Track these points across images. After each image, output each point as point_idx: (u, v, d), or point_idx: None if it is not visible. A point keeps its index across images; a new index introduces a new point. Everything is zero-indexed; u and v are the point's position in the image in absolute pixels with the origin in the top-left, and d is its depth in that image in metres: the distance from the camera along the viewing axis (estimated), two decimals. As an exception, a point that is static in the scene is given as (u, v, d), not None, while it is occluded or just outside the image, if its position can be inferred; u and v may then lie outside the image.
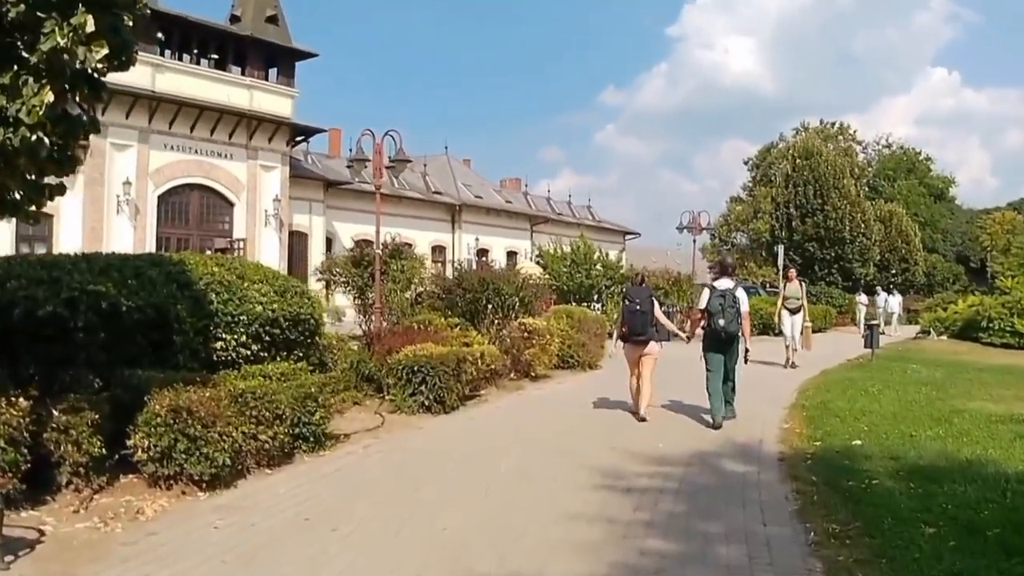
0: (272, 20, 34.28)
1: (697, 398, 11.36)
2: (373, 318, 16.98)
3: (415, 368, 11.06)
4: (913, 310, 46.54)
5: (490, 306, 16.13)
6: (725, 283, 10.86)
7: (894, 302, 37.04)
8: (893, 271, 54.85)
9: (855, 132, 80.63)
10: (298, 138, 36.29)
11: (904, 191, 75.86)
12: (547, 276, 28.56)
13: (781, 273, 42.64)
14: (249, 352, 9.55)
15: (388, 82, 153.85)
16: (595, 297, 28.39)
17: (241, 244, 33.25)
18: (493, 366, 13.20)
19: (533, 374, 15.02)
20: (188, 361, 8.81)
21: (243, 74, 33.67)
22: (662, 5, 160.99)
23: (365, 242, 28.36)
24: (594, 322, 18.26)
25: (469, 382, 12.10)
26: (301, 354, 10.34)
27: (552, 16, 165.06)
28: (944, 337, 29.09)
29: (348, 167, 20.35)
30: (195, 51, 32.52)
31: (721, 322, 10.43)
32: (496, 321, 16.25)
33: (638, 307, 10.92)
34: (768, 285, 47.09)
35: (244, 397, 7.52)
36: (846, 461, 8.07)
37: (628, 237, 63.24)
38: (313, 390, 8.50)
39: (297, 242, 36.01)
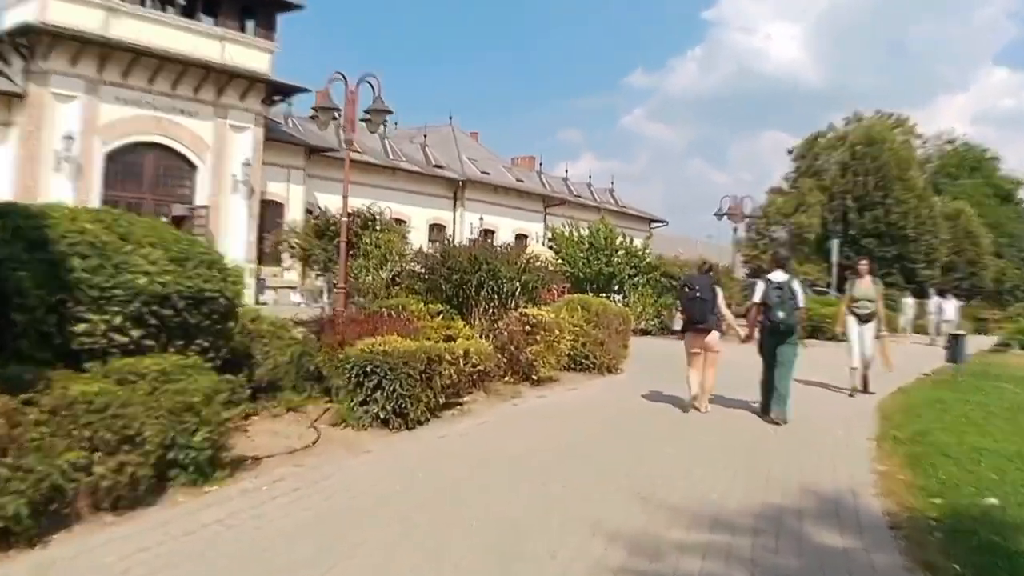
0: (251, -36, 32.59)
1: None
2: (336, 300, 14.95)
3: (368, 368, 8.86)
4: (981, 319, 44.11)
5: (483, 291, 13.81)
6: (780, 276, 11.09)
7: (950, 308, 33.21)
8: (959, 275, 52.44)
9: (914, 125, 77.97)
10: (275, 97, 34.62)
11: (968, 190, 73.39)
12: (560, 261, 26.69)
13: (835, 269, 40.49)
14: (127, 339, 7.25)
15: (394, 54, 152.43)
16: (616, 287, 26.30)
17: (203, 211, 31.71)
18: (482, 367, 10.97)
19: (535, 377, 12.83)
20: (34, 349, 6.77)
21: (215, 24, 32.07)
22: None
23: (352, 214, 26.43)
24: (616, 316, 15.85)
25: (446, 387, 9.86)
26: (206, 344, 8.05)
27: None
28: (1027, 352, 26.73)
29: (312, 117, 18.13)
30: None
31: (781, 314, 10.69)
32: (491, 310, 13.96)
33: (698, 294, 11.07)
34: (814, 284, 44.74)
35: (72, 410, 5.29)
36: (992, 535, 5.77)
37: (654, 225, 61.74)
38: (196, 399, 6.27)
39: (271, 213, 34.28)
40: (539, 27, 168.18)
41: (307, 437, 8.31)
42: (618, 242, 28.14)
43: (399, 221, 36.80)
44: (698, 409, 11.17)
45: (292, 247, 25.34)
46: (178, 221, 32.24)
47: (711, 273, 12.09)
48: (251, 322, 10.17)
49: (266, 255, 31.26)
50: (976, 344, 31.60)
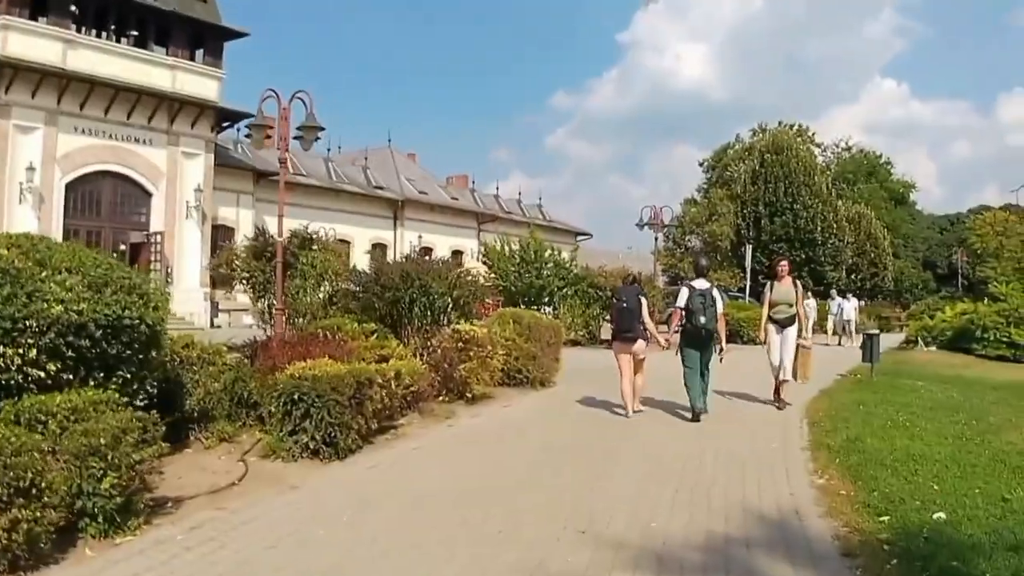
0: (200, -5, 32.16)
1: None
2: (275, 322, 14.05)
3: (296, 396, 8.02)
4: (884, 317, 44.35)
5: (415, 308, 13.04)
6: (702, 283, 11.30)
7: (850, 308, 32.84)
8: (861, 276, 52.85)
9: (814, 134, 79.11)
10: (224, 124, 33.98)
11: (865, 195, 74.51)
12: (493, 276, 26.05)
13: (749, 274, 40.32)
14: (43, 374, 6.34)
15: (332, 77, 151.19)
16: (546, 299, 25.70)
17: (159, 238, 31.24)
18: (415, 387, 10.22)
19: (470, 395, 12.08)
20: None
21: (167, 54, 31.68)
22: (614, 11, 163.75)
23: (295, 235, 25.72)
24: (548, 329, 15.14)
25: (378, 412, 9.06)
26: (128, 376, 7.16)
27: (502, 19, 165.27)
28: (933, 348, 26.61)
29: (247, 136, 17.27)
30: (113, 27, 30.58)
31: (702, 319, 10.90)
32: (424, 327, 13.20)
33: (625, 305, 11.35)
34: (727, 289, 44.63)
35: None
36: (951, 559, 5.15)
37: (580, 238, 61.82)
38: (103, 441, 5.44)
39: (222, 237, 33.49)
40: (471, 50, 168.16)
41: (235, 472, 7.50)
42: (547, 255, 27.57)
43: (343, 242, 36.29)
44: (628, 412, 11.29)
45: (233, 269, 24.22)
46: (135, 248, 31.44)
47: (636, 284, 12.33)
48: (183, 348, 9.31)
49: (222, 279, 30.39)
50: (883, 342, 31.57)
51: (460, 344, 12.14)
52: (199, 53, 32.96)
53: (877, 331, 20.52)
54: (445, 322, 13.38)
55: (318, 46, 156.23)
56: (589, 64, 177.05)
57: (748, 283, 40.15)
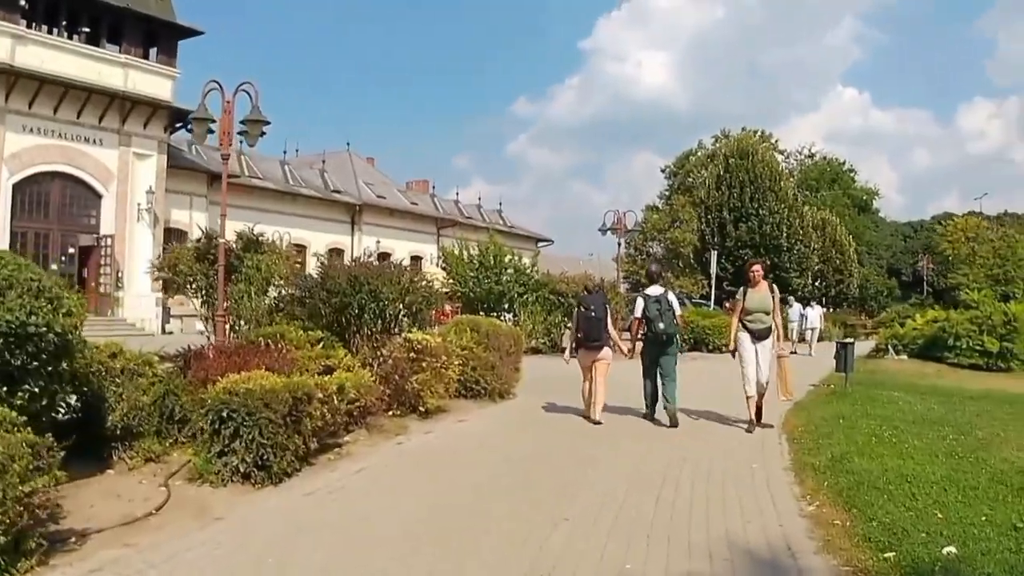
0: (154, -9, 31.52)
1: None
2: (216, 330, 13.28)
3: (225, 413, 7.17)
4: (850, 325, 44.05)
5: (365, 315, 12.20)
6: (656, 289, 11.39)
7: (813, 315, 32.04)
8: (826, 283, 52.67)
9: (777, 141, 79.23)
10: (178, 124, 33.03)
11: (829, 201, 74.75)
12: (451, 281, 25.27)
13: (714, 281, 39.78)
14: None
15: (296, 80, 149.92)
16: (507, 306, 24.96)
17: (109, 241, 30.68)
18: (362, 401, 9.40)
19: (423, 408, 11.24)
20: None
21: (120, 51, 30.99)
22: (576, 19, 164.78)
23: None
24: (507, 336, 14.30)
25: (319, 430, 8.25)
26: (36, 390, 6.30)
27: (464, 25, 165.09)
28: (904, 357, 26.15)
29: (188, 130, 16.41)
30: (64, 23, 29.82)
31: (661, 325, 11.02)
32: (374, 336, 12.36)
33: (593, 313, 11.26)
34: (690, 296, 44.13)
35: None
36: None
37: (541, 244, 61.48)
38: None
39: (175, 240, 32.33)
40: (433, 56, 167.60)
41: (155, 499, 6.68)
42: (507, 260, 26.78)
43: (299, 247, 35.68)
44: (590, 419, 11.31)
45: (177, 273, 23.27)
46: (85, 251, 30.84)
47: (600, 291, 12.64)
48: (110, 358, 8.41)
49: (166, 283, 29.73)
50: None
51: (412, 354, 11.31)
52: (153, 51, 32.35)
53: (851, 340, 19.99)
54: (397, 330, 12.57)
55: (279, 47, 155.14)
56: (551, 71, 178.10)
57: (713, 290, 39.60)
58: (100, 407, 7.77)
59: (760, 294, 11.18)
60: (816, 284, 50.06)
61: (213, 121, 15.25)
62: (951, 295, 42.32)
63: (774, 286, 11.60)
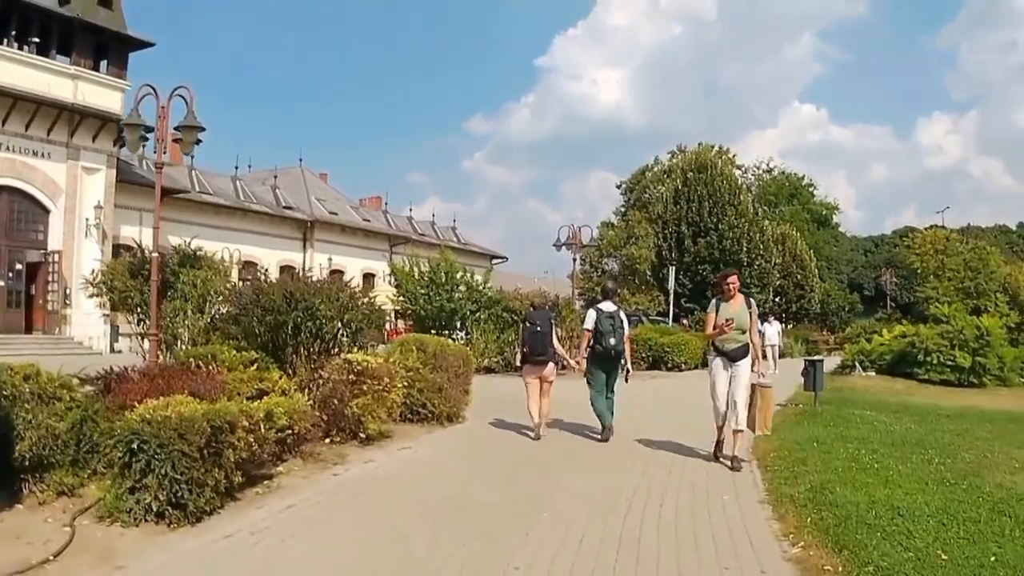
0: (105, 3, 31.23)
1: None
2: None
3: (135, 445, 6.31)
4: (812, 341, 43.76)
5: (301, 334, 11.30)
6: (609, 306, 11.32)
7: (772, 331, 29.59)
8: (787, 298, 52.43)
9: (734, 156, 79.23)
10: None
11: (787, 216, 74.86)
12: (402, 299, 24.48)
13: (672, 297, 39.13)
14: None
15: (248, 95, 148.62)
16: (458, 323, 24.23)
17: (56, 257, 30.27)
18: (296, 428, 8.53)
19: (364, 435, 10.38)
20: None
21: (70, 63, 30.46)
22: (532, 36, 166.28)
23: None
24: (456, 356, 13.40)
25: (246, 461, 7.38)
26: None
27: (420, 40, 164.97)
28: (872, 373, 25.74)
29: (120, 135, 15.64)
30: (14, 33, 29.25)
31: (612, 340, 11.00)
32: (312, 357, 11.47)
33: (539, 328, 11.42)
34: (645, 312, 43.55)
35: None
36: None
37: (495, 261, 61.59)
38: None
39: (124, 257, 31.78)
40: (388, 72, 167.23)
41: (57, 541, 5.87)
42: (459, 276, 26.06)
43: (249, 263, 34.88)
44: (536, 433, 11.45)
45: (111, 290, 22.36)
46: (32, 268, 30.34)
47: (547, 308, 12.87)
48: (24, 381, 7.46)
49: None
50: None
51: (352, 376, 10.44)
52: (103, 64, 31.80)
53: (821, 357, 19.41)
54: (337, 351, 11.70)
55: (232, 62, 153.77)
56: (507, 88, 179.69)
57: (671, 307, 38.93)
58: (8, 435, 6.87)
59: (735, 308, 9.71)
60: (777, 300, 49.66)
61: (149, 129, 14.69)
62: (918, 309, 42.15)
63: (751, 299, 10.13)
